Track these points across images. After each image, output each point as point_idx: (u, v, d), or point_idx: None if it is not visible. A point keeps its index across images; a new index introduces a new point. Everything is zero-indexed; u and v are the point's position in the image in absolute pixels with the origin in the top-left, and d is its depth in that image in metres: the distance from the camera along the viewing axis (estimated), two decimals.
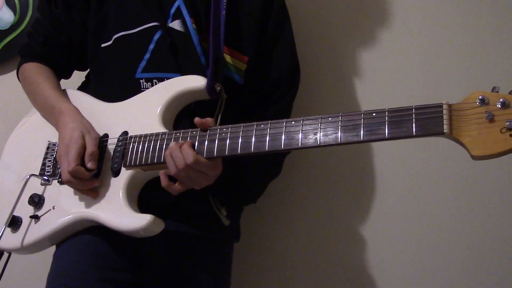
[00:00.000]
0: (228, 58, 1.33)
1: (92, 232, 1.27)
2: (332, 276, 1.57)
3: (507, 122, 0.92)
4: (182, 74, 1.30)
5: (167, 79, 1.30)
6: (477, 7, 1.52)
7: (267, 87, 1.39)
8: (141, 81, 1.32)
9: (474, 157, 0.94)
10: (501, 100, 0.94)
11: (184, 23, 1.33)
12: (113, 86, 1.37)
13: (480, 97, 0.95)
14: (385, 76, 1.59)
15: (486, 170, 1.42)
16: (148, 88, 1.31)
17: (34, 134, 1.42)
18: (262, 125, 1.12)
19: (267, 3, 1.39)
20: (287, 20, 1.44)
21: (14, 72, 1.48)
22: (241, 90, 1.36)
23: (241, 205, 1.45)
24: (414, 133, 0.98)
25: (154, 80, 1.32)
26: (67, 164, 1.22)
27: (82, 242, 1.27)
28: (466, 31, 1.52)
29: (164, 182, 1.17)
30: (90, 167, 1.23)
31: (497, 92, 0.96)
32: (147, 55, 1.33)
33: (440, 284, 1.45)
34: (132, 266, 1.28)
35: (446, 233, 1.47)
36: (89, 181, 1.24)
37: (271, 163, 1.42)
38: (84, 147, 1.24)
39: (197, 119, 1.17)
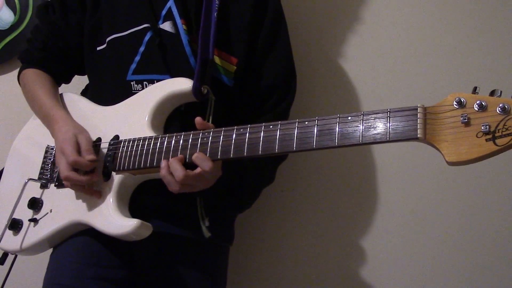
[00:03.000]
0: (217, 59, 1.32)
1: (86, 232, 1.29)
2: (329, 278, 1.55)
3: (483, 126, 0.87)
4: (172, 75, 1.30)
5: (157, 81, 1.30)
6: (473, 6, 1.47)
7: (261, 92, 1.37)
8: (132, 83, 1.33)
9: (449, 163, 0.90)
10: (478, 102, 0.88)
11: (174, 24, 1.33)
12: (107, 89, 1.38)
13: (456, 99, 0.90)
14: (381, 77, 1.55)
15: (488, 169, 1.36)
16: (139, 90, 1.32)
17: (36, 138, 1.46)
18: (241, 129, 1.10)
19: (260, 6, 1.36)
20: (283, 26, 1.41)
21: (14, 72, 1.52)
22: (231, 92, 1.34)
23: (230, 213, 1.44)
24: (388, 138, 0.94)
25: (145, 82, 1.32)
26: (66, 158, 1.23)
27: (77, 242, 1.30)
28: (463, 31, 1.48)
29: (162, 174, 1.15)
30: (90, 159, 1.23)
31: (477, 93, 0.91)
32: (137, 57, 1.33)
33: (441, 286, 1.41)
34: (126, 264, 1.29)
35: (447, 235, 1.43)
36: (89, 175, 1.24)
37: (268, 170, 1.40)
38: (78, 145, 1.26)
39: (198, 119, 1.15)
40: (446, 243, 1.42)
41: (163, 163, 1.14)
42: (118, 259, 1.29)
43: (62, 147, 1.26)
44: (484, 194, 1.40)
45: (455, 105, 0.90)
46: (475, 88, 0.92)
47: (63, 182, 1.27)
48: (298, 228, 1.60)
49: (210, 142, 1.13)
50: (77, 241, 1.31)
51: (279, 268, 1.61)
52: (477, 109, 0.88)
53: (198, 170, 1.12)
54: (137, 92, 1.32)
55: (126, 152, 1.24)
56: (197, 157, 1.12)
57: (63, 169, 1.24)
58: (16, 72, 1.54)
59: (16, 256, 1.43)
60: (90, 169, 1.24)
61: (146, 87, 1.32)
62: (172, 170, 1.13)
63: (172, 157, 1.16)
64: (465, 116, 0.88)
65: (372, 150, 1.53)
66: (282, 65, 1.39)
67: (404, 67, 1.53)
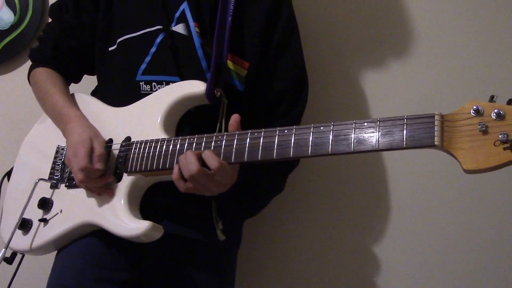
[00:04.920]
0: (229, 64, 1.32)
1: (92, 234, 1.29)
2: (337, 281, 1.56)
3: (501, 134, 0.87)
4: (182, 77, 1.31)
5: (166, 82, 1.31)
6: (487, 11, 1.47)
7: (271, 98, 1.37)
8: (140, 83, 1.33)
9: (466, 171, 0.90)
10: (495, 110, 0.89)
11: (187, 27, 1.33)
12: (115, 89, 1.39)
13: (474, 107, 0.91)
14: (392, 81, 1.56)
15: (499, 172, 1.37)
16: (147, 91, 1.32)
17: (46, 138, 1.46)
18: (256, 133, 1.10)
19: (273, 11, 1.37)
20: (295, 31, 1.41)
21: (14, 72, 1.51)
22: (242, 96, 1.34)
23: (239, 218, 1.43)
24: (404, 145, 0.94)
25: (153, 83, 1.32)
26: (77, 163, 1.23)
27: (82, 244, 1.30)
28: (476, 36, 1.48)
29: (175, 175, 1.14)
30: (99, 168, 1.24)
31: (495, 101, 0.91)
32: (148, 58, 1.34)
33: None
34: (131, 266, 1.29)
35: (451, 237, 1.45)
36: (103, 178, 1.25)
37: (279, 178, 1.40)
38: (92, 149, 1.26)
39: (236, 117, 1.14)
40: (452, 245, 1.44)
41: (181, 157, 1.13)
42: (123, 261, 1.29)
43: (76, 149, 1.26)
44: (493, 196, 1.41)
45: (472, 113, 0.91)
46: (492, 97, 0.92)
47: (79, 183, 1.27)
48: (306, 231, 1.61)
49: (224, 145, 1.13)
50: (82, 242, 1.31)
51: (287, 270, 1.62)
52: (494, 118, 0.88)
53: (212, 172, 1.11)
54: (145, 93, 1.33)
55: (139, 154, 1.24)
56: (206, 154, 1.11)
57: (77, 172, 1.24)
58: (16, 72, 1.56)
59: (23, 256, 1.43)
60: (97, 176, 1.25)
61: (154, 88, 1.32)
62: (187, 162, 1.11)
63: None
64: (483, 124, 0.88)
65: (380, 153, 1.53)
66: (293, 71, 1.39)
67: (416, 73, 1.53)
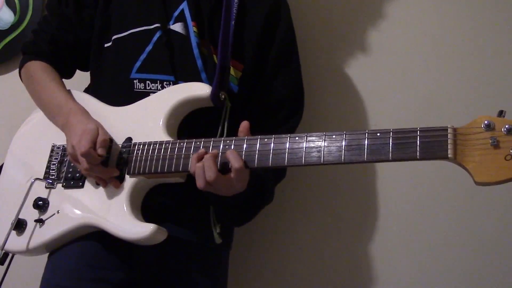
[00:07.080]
0: None
1: (86, 234, 1.28)
2: (329, 282, 1.58)
3: None
4: (176, 76, 1.30)
5: (160, 81, 1.31)
6: (492, 14, 1.50)
7: (270, 105, 1.38)
8: (134, 81, 1.32)
9: (477, 183, 0.94)
10: (506, 126, 0.93)
11: (185, 26, 1.34)
12: (108, 86, 1.37)
13: (485, 122, 0.94)
14: (390, 85, 1.58)
15: None
16: (141, 89, 1.31)
17: (39, 136, 1.42)
18: (265, 139, 1.11)
19: (272, 17, 1.38)
20: (295, 39, 1.43)
21: (14, 72, 1.47)
22: (238, 99, 1.34)
23: (230, 225, 1.43)
24: (418, 156, 0.97)
25: (147, 81, 1.32)
26: (79, 148, 1.20)
27: (76, 243, 1.29)
28: (476, 38, 1.51)
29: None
30: (101, 153, 1.21)
31: (504, 116, 0.96)
32: (143, 56, 1.33)
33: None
34: (126, 266, 1.29)
35: (450, 237, 1.47)
36: (109, 169, 1.24)
37: (271, 188, 1.38)
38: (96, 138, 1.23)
39: (246, 124, 1.14)
40: (449, 245, 1.47)
41: (198, 164, 1.11)
42: (117, 261, 1.28)
43: (81, 137, 1.21)
44: (490, 198, 1.45)
45: (483, 128, 0.94)
46: (501, 112, 0.96)
47: (83, 172, 1.24)
48: (299, 232, 1.62)
49: (245, 149, 1.12)
50: (76, 242, 1.29)
51: (279, 271, 1.63)
52: (505, 133, 0.92)
53: (229, 175, 1.11)
54: (139, 91, 1.32)
55: (141, 156, 1.23)
56: (231, 153, 1.10)
57: (81, 160, 1.20)
58: (16, 72, 1.50)
59: (13, 256, 1.40)
60: (98, 162, 1.22)
61: (148, 86, 1.32)
62: (205, 168, 1.10)
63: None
64: (495, 139, 0.92)
65: None
66: (293, 80, 1.41)
67: (415, 77, 1.55)
